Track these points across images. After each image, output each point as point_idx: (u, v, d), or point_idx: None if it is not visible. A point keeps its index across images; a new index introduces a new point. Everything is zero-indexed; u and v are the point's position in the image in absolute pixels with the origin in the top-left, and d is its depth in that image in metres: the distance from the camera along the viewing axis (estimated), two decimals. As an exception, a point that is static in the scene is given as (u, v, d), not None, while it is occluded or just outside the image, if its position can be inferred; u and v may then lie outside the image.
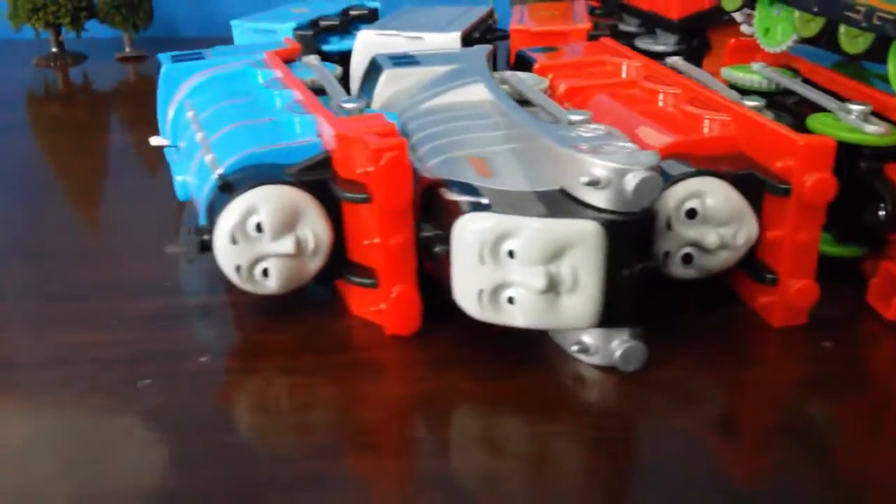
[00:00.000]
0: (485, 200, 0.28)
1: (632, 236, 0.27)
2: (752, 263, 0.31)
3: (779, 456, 0.26)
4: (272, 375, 0.30)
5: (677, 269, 0.31)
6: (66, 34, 0.76)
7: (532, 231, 0.26)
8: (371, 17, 0.57)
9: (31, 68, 0.75)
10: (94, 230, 0.43)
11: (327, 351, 0.31)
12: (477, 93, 0.37)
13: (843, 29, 0.37)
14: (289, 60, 0.42)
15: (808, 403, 0.29)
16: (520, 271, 0.27)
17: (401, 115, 0.36)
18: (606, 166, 0.26)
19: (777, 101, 0.39)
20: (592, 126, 0.31)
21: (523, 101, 0.37)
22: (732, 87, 0.41)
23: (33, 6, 0.71)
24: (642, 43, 0.53)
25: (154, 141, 0.40)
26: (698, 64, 0.51)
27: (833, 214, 0.35)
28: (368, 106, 0.37)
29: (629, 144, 0.28)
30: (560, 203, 0.27)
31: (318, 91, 0.37)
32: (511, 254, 0.27)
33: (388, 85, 0.40)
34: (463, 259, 0.27)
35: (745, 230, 0.31)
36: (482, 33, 0.53)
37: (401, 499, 0.25)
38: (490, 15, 0.58)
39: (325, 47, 0.53)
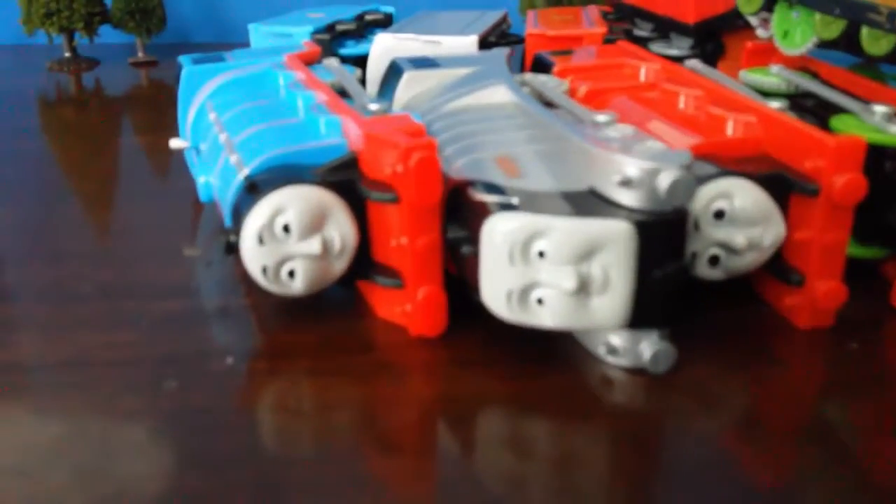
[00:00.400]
0: (514, 201, 0.28)
1: (664, 236, 0.27)
2: (779, 265, 0.31)
3: (806, 459, 0.26)
4: (296, 377, 0.30)
5: (704, 271, 0.31)
6: (79, 39, 0.76)
7: (562, 231, 0.26)
8: (386, 22, 0.57)
9: (44, 73, 0.75)
10: (109, 233, 0.43)
11: (352, 352, 0.31)
12: (500, 94, 0.37)
13: (865, 31, 0.37)
14: (309, 63, 0.42)
15: (835, 406, 0.29)
16: (549, 272, 0.27)
17: (423, 116, 0.36)
18: (639, 165, 0.26)
19: (797, 103, 0.39)
20: (620, 126, 0.30)
21: (545, 104, 0.37)
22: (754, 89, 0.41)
23: (47, 11, 0.71)
24: (656, 47, 0.53)
25: (174, 143, 0.40)
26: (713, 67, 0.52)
27: (856, 215, 0.35)
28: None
29: (659, 144, 0.28)
30: (590, 203, 0.27)
31: (339, 93, 0.37)
32: (541, 254, 0.27)
33: (409, 87, 0.40)
34: (492, 260, 0.27)
35: (772, 231, 0.30)
36: (497, 37, 0.53)
37: (426, 501, 0.25)
38: (504, 19, 0.58)
39: (342, 51, 0.53)
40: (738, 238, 0.30)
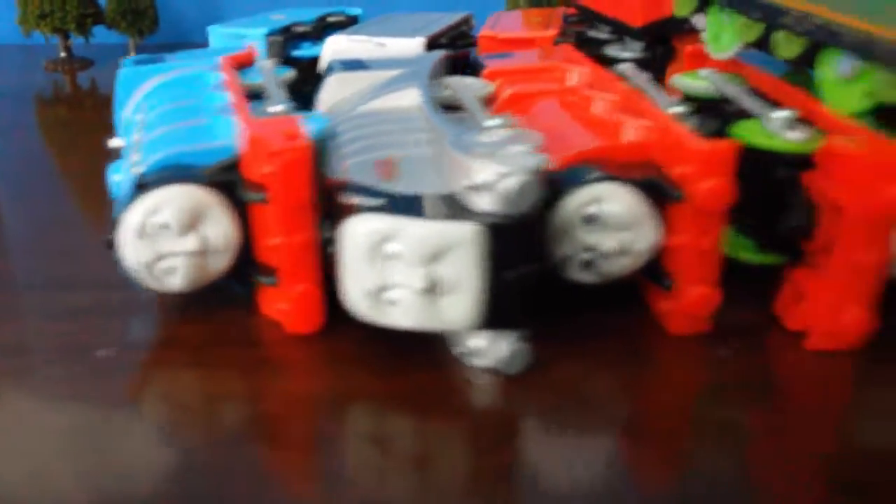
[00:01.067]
0: (376, 202, 0.28)
1: (513, 239, 0.27)
2: (654, 269, 0.31)
3: (668, 460, 0.26)
4: (180, 368, 0.31)
5: (577, 274, 0.31)
6: (76, 39, 0.78)
7: (413, 233, 0.27)
8: (349, 24, 0.58)
9: (41, 72, 0.78)
10: (78, 226, 0.45)
11: (236, 346, 0.32)
12: (409, 97, 0.37)
13: (781, 34, 0.37)
14: (245, 65, 0.44)
15: (704, 409, 0.29)
16: (402, 272, 0.27)
17: (337, 117, 0.37)
18: (487, 170, 0.27)
19: (720, 108, 0.39)
20: (502, 131, 0.31)
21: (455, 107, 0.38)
22: (683, 93, 0.41)
23: (41, 12, 0.74)
24: (612, 50, 0.53)
25: (112, 142, 0.42)
26: (663, 71, 0.51)
27: (755, 222, 0.35)
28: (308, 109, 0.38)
29: (522, 149, 0.28)
30: (447, 206, 0.28)
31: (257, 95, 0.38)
32: (394, 255, 0.27)
33: (334, 89, 0.41)
34: (350, 260, 0.28)
35: (645, 237, 0.31)
36: (452, 39, 0.54)
37: (299, 492, 0.26)
38: (465, 21, 0.58)
39: (297, 53, 0.54)
40: (608, 243, 0.30)
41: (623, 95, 0.38)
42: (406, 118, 0.36)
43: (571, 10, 0.60)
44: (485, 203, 0.27)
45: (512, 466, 0.27)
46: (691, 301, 0.30)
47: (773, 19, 0.37)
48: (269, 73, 0.41)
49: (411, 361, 0.31)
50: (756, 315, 0.33)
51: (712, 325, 0.32)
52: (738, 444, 0.27)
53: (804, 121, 0.34)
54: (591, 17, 0.57)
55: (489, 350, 0.29)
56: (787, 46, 0.36)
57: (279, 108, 0.34)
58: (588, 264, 0.31)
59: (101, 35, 0.80)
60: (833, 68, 0.34)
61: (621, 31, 0.52)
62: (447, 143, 0.29)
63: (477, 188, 0.27)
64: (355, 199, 0.29)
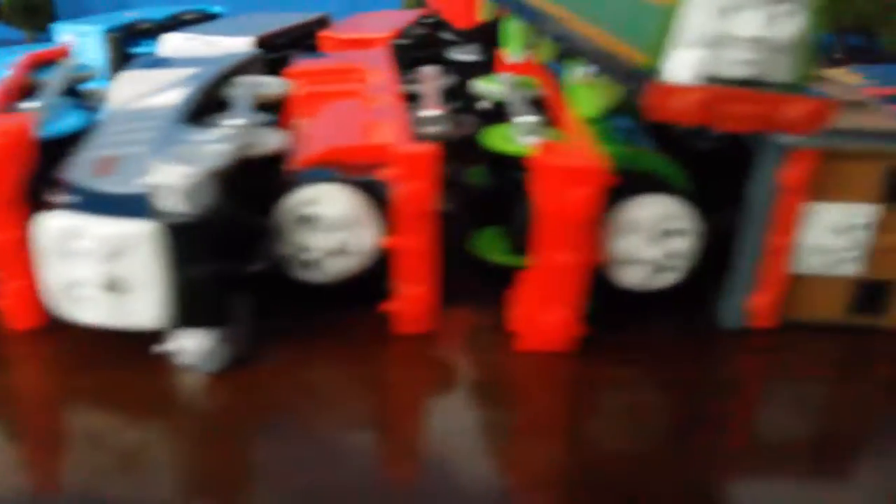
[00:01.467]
0: (73, 199, 0.29)
1: (194, 238, 0.27)
2: (378, 270, 0.32)
3: (406, 457, 0.27)
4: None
5: (301, 273, 0.32)
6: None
7: (95, 232, 0.27)
8: (203, 22, 0.59)
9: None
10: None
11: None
12: (174, 97, 0.37)
13: (543, 39, 0.37)
14: (52, 62, 0.44)
15: (440, 407, 0.29)
16: (86, 270, 0.28)
17: (108, 113, 0.37)
18: (165, 170, 0.27)
19: (497, 111, 0.39)
20: (218, 131, 0.31)
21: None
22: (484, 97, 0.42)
23: (-70, 5, 0.74)
24: (454, 52, 0.54)
25: None
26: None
27: (502, 224, 0.35)
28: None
29: (216, 149, 0.29)
30: (137, 204, 0.28)
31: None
32: (81, 252, 0.28)
33: (122, 86, 0.41)
34: (41, 256, 0.28)
35: (363, 237, 0.31)
36: (295, 39, 0.54)
37: (18, 487, 0.26)
38: (318, 22, 0.58)
39: (137, 50, 0.54)
40: (323, 242, 0.31)
41: (395, 99, 0.38)
42: (155, 116, 0.36)
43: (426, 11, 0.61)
44: (165, 203, 0.27)
45: (235, 464, 0.27)
46: (406, 301, 0.31)
47: (538, 25, 0.37)
48: (61, 71, 0.41)
49: (134, 358, 0.31)
50: (496, 317, 0.33)
51: (442, 326, 0.32)
52: (474, 442, 0.27)
53: (550, 127, 0.34)
54: (440, 20, 0.57)
55: (189, 348, 0.29)
56: (545, 51, 0.37)
57: (33, 104, 0.34)
58: (308, 264, 0.31)
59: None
60: (573, 74, 0.34)
61: (457, 34, 0.53)
62: (149, 145, 0.30)
63: (157, 188, 0.27)
64: (53, 196, 0.29)
